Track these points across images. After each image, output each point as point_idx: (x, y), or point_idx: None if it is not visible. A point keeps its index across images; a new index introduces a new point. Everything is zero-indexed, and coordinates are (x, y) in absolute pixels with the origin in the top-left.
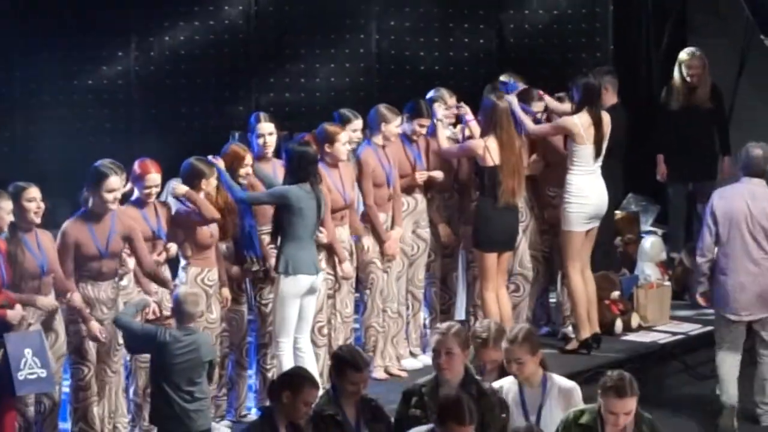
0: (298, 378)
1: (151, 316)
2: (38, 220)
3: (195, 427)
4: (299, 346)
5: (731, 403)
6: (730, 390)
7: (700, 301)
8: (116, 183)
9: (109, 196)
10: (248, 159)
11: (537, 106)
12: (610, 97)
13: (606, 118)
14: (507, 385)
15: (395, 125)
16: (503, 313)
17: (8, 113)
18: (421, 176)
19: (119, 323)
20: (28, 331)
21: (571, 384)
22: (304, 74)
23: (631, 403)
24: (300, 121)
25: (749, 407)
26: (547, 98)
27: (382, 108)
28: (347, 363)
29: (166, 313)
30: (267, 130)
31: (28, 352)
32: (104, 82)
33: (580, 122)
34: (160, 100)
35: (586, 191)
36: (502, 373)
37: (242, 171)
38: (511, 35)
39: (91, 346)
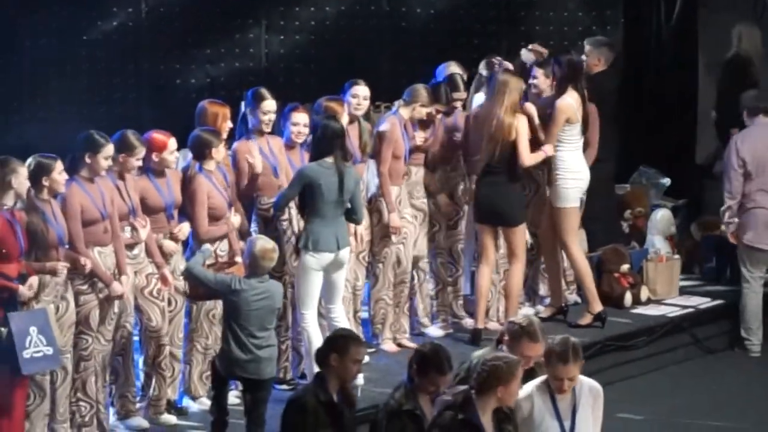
0: (342, 339)
1: (210, 261)
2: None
3: (264, 373)
4: (333, 315)
5: (755, 332)
6: (752, 321)
7: (732, 239)
8: (111, 150)
9: (104, 163)
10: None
11: None
12: (600, 68)
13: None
14: (535, 391)
15: (427, 110)
16: (509, 289)
17: (17, 85)
18: (421, 138)
19: (192, 272)
20: (33, 309)
21: (596, 383)
22: (314, 16)
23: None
24: (309, 64)
25: None
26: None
27: (422, 89)
28: (431, 365)
29: (222, 260)
30: (272, 108)
31: (33, 330)
32: (113, 48)
33: (573, 102)
34: (170, 45)
35: (578, 166)
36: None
37: (225, 126)
38: (521, 8)
39: (95, 317)
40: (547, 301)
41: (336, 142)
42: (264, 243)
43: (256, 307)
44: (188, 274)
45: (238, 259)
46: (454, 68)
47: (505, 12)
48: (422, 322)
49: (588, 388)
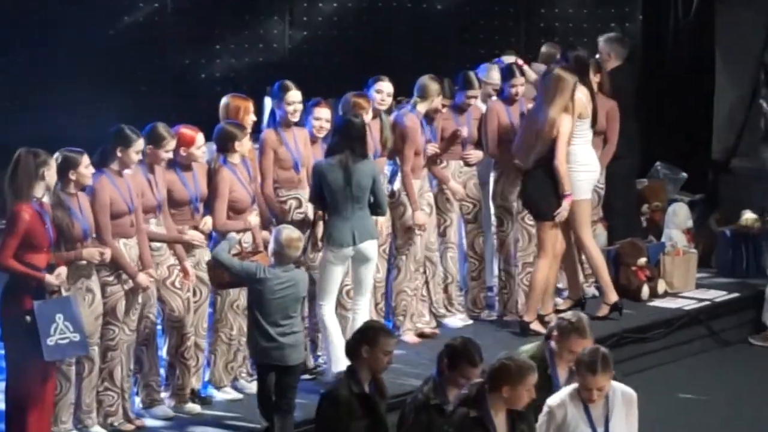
0: (372, 331)
1: (234, 251)
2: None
3: (289, 360)
4: (356, 308)
5: None
6: None
7: None
8: (141, 145)
9: (135, 157)
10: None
11: (518, 81)
12: (612, 63)
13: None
14: (568, 399)
15: (441, 100)
16: (532, 282)
17: (45, 77)
18: (432, 149)
19: (219, 259)
20: (60, 297)
21: (629, 389)
22: (336, 12)
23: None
24: (332, 59)
25: None
26: (526, 68)
27: (430, 81)
28: (462, 357)
29: (246, 251)
30: (297, 98)
31: (59, 317)
32: (139, 42)
33: (583, 97)
34: (195, 40)
35: (588, 159)
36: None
37: (248, 120)
38: (540, 5)
39: (121, 307)
40: (565, 293)
41: (349, 141)
42: (290, 232)
43: (280, 296)
44: (214, 262)
45: (262, 248)
46: (493, 73)
47: (524, 8)
48: (439, 313)
49: (621, 395)
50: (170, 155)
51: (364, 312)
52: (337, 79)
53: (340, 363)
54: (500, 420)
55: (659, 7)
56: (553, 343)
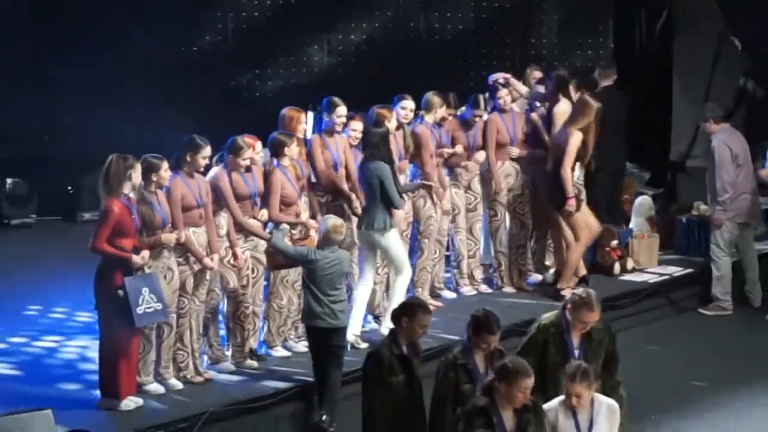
0: (412, 306)
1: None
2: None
3: (338, 323)
4: (394, 284)
5: (728, 292)
6: (727, 285)
7: (717, 222)
8: (208, 152)
9: (202, 162)
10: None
11: (503, 93)
12: (602, 83)
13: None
14: (558, 407)
15: (444, 110)
16: (568, 260)
17: (122, 86)
18: (447, 152)
19: (276, 246)
20: (146, 274)
21: (614, 402)
22: (366, 41)
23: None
24: (363, 79)
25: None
26: (512, 81)
27: (434, 96)
28: (482, 326)
29: (296, 237)
30: (344, 112)
31: (145, 290)
32: (204, 63)
33: (567, 108)
34: (250, 62)
35: None
36: (588, 335)
37: (300, 128)
38: (532, 35)
39: (190, 283)
40: (552, 270)
41: (364, 146)
42: (335, 221)
43: (329, 272)
44: (273, 248)
45: (312, 232)
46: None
47: (518, 38)
48: (439, 287)
49: (606, 407)
50: (247, 162)
51: (398, 289)
52: (366, 97)
53: (355, 329)
54: (508, 410)
55: (626, 36)
56: (568, 314)
